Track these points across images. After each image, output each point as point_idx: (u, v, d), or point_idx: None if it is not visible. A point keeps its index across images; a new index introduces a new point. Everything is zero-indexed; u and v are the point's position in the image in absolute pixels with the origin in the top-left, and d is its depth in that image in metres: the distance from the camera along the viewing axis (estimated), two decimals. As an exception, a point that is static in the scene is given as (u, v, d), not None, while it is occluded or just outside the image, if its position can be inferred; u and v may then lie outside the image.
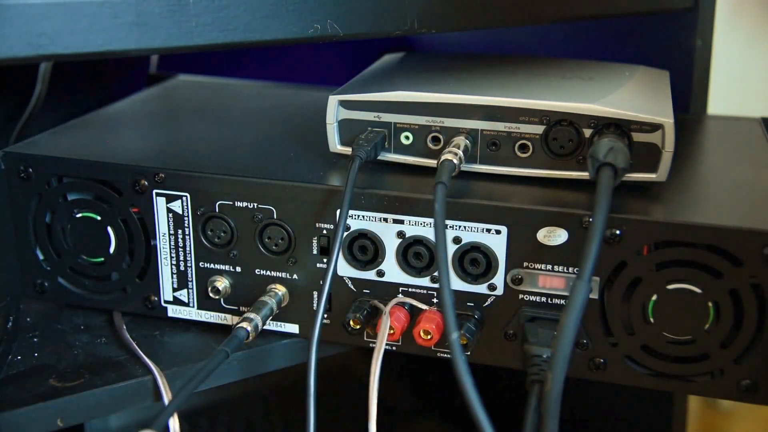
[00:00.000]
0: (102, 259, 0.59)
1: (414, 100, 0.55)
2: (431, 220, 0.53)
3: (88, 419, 0.54)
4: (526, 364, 0.51)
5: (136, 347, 0.57)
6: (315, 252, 0.55)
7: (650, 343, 0.51)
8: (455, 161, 0.52)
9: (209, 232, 0.57)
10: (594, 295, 0.51)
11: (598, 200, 0.47)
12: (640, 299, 0.51)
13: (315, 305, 0.56)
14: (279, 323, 0.58)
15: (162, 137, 0.66)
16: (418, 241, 0.53)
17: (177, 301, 0.59)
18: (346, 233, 0.54)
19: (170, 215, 0.57)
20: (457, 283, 0.54)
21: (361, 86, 0.59)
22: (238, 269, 0.57)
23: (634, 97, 0.56)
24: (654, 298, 0.50)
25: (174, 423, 0.53)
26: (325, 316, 0.57)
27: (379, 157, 0.57)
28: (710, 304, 0.49)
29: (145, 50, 0.45)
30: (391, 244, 0.54)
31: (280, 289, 0.57)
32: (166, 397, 0.54)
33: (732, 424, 1.22)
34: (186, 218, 0.57)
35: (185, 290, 0.59)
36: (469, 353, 0.54)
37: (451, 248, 0.53)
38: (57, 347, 0.58)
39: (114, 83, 0.99)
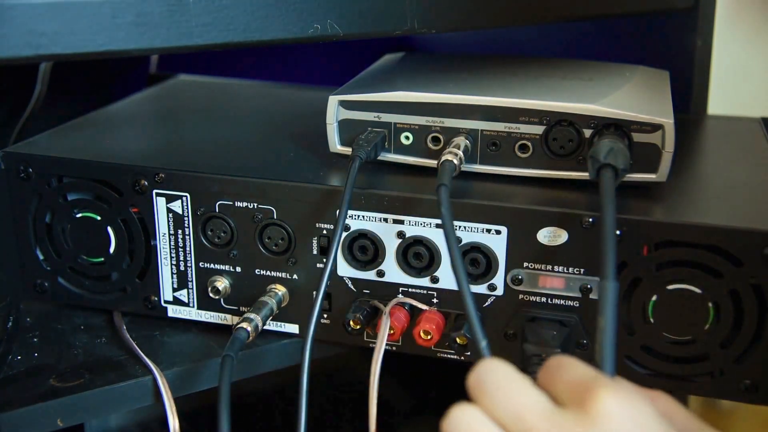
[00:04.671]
0: (102, 259, 0.59)
1: (414, 100, 0.55)
2: (431, 221, 0.53)
3: (88, 419, 0.54)
4: (525, 363, 0.51)
5: (136, 347, 0.57)
6: (315, 252, 0.55)
7: (650, 343, 0.51)
8: (455, 162, 0.52)
9: (209, 232, 0.57)
10: (594, 296, 0.51)
11: (605, 202, 0.46)
12: (640, 299, 0.51)
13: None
14: (279, 323, 0.58)
15: (162, 137, 0.66)
16: (418, 241, 0.53)
17: (177, 301, 0.59)
18: (346, 233, 0.54)
19: (170, 215, 0.57)
20: (457, 283, 0.54)
21: (361, 86, 0.59)
22: (238, 269, 0.57)
23: (634, 97, 0.56)
24: (654, 298, 0.50)
25: (174, 423, 0.53)
26: (325, 316, 0.57)
27: (379, 157, 0.57)
28: (710, 304, 0.49)
29: (145, 50, 0.45)
30: (391, 244, 0.54)
31: (280, 289, 0.57)
32: (166, 397, 0.54)
33: (732, 424, 1.22)
34: (186, 218, 0.57)
35: (185, 290, 0.59)
36: (469, 353, 0.54)
37: (451, 248, 0.53)
38: (57, 347, 0.58)
39: (114, 83, 0.99)
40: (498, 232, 0.52)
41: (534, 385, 0.38)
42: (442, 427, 0.38)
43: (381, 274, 0.55)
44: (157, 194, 0.57)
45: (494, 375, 0.38)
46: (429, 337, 0.53)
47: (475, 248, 0.53)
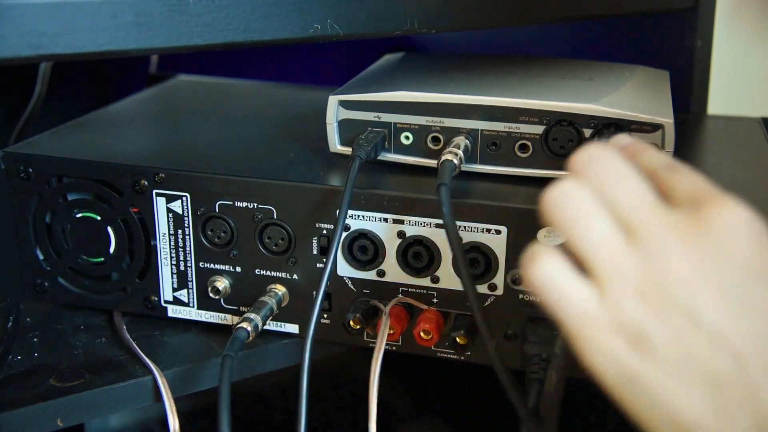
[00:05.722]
0: (102, 259, 0.59)
1: (414, 100, 0.55)
2: (431, 220, 0.53)
3: (88, 419, 0.54)
4: (525, 364, 0.51)
5: (136, 347, 0.57)
6: (315, 252, 0.55)
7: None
8: (455, 161, 0.52)
9: (209, 232, 0.57)
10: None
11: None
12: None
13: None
14: (279, 323, 0.58)
15: (162, 137, 0.66)
16: (418, 241, 0.53)
17: (177, 301, 0.59)
18: (346, 233, 0.54)
19: (170, 215, 0.57)
20: (457, 283, 0.54)
21: (361, 86, 0.59)
22: (238, 269, 0.57)
23: (633, 97, 0.56)
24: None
25: (174, 423, 0.53)
26: (325, 316, 0.57)
27: (379, 157, 0.57)
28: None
29: (145, 50, 0.45)
30: (391, 244, 0.54)
31: (280, 289, 0.57)
32: (166, 397, 0.54)
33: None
34: (186, 218, 0.57)
35: (185, 290, 0.59)
36: (469, 353, 0.54)
37: (451, 248, 0.53)
38: (57, 347, 0.58)
39: (114, 83, 0.99)
40: (498, 232, 0.52)
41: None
42: (543, 203, 0.35)
43: (381, 274, 0.55)
44: (157, 194, 0.57)
45: (605, 158, 0.36)
46: (429, 336, 0.53)
47: (475, 248, 0.53)
